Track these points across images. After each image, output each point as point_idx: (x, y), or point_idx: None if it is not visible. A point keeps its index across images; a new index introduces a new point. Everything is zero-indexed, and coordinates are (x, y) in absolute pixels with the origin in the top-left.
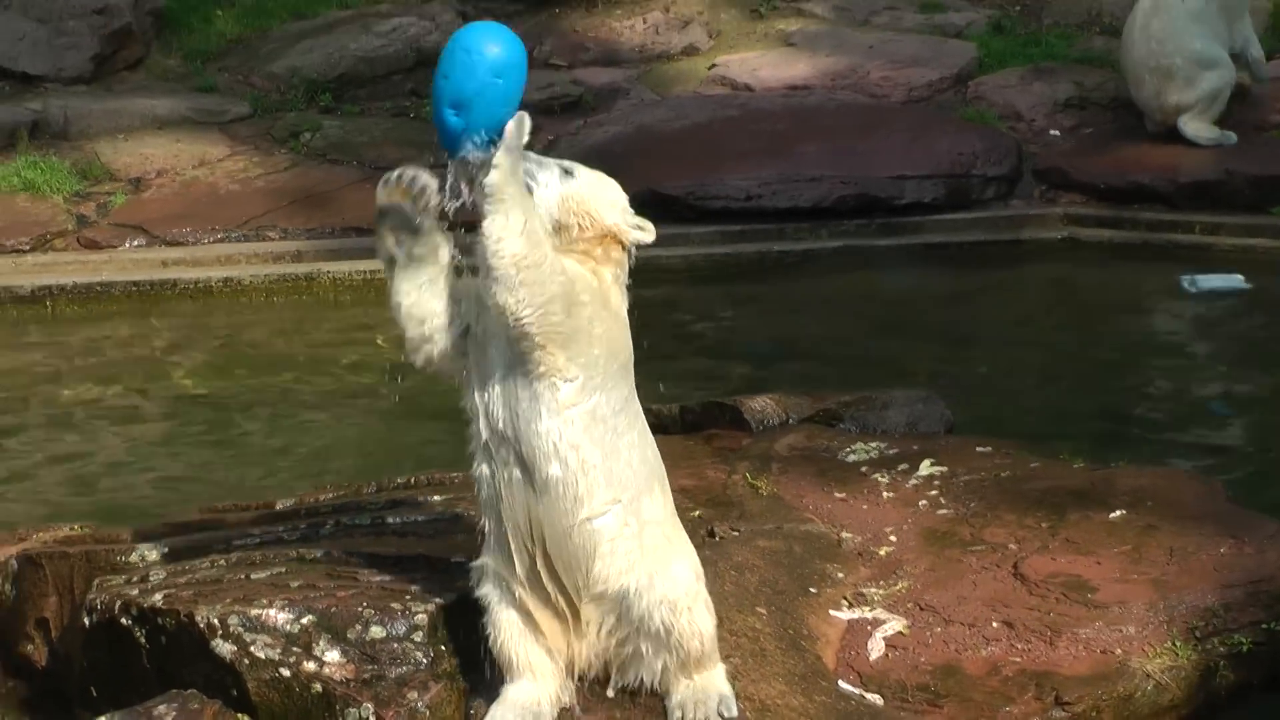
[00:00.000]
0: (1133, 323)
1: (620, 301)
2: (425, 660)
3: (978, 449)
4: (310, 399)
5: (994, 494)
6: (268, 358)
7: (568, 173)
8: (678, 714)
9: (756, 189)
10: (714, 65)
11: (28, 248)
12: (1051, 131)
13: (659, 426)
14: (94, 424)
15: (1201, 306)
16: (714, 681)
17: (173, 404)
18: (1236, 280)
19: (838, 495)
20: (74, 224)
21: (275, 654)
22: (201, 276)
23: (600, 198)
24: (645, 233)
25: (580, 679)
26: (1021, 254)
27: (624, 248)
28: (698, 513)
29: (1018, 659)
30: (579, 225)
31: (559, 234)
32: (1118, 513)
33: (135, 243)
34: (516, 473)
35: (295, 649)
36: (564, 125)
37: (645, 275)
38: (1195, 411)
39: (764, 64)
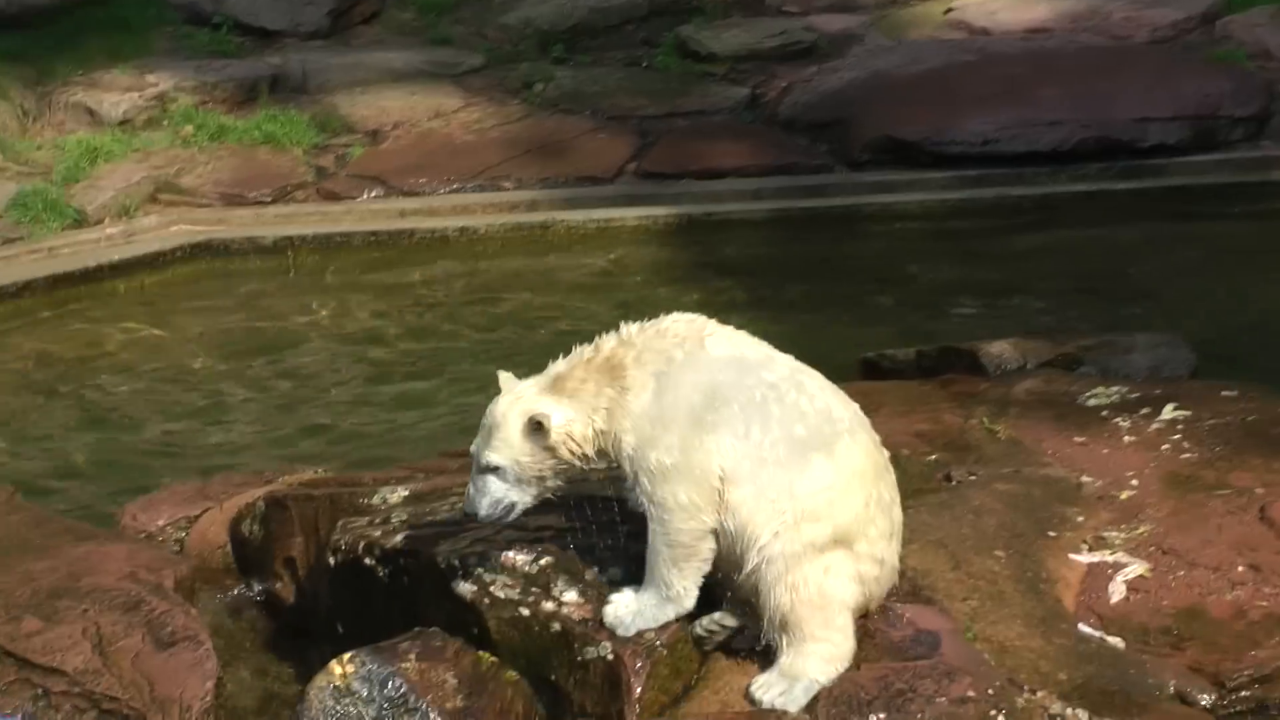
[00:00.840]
0: None
1: None
2: None
3: (1223, 393)
4: (548, 344)
5: (1240, 438)
6: (505, 305)
7: None
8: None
9: (994, 133)
10: (950, 9)
11: (269, 199)
12: None
13: (895, 371)
14: (334, 371)
15: None
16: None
17: (409, 352)
18: None
19: (1077, 439)
20: (313, 176)
21: (515, 594)
22: (438, 226)
23: None
24: None
25: None
26: (1271, 196)
27: None
28: (934, 457)
29: (1264, 603)
30: None
31: None
32: None
33: (373, 193)
34: None
35: (534, 589)
36: (797, 72)
37: (882, 221)
38: None
39: (1002, 7)
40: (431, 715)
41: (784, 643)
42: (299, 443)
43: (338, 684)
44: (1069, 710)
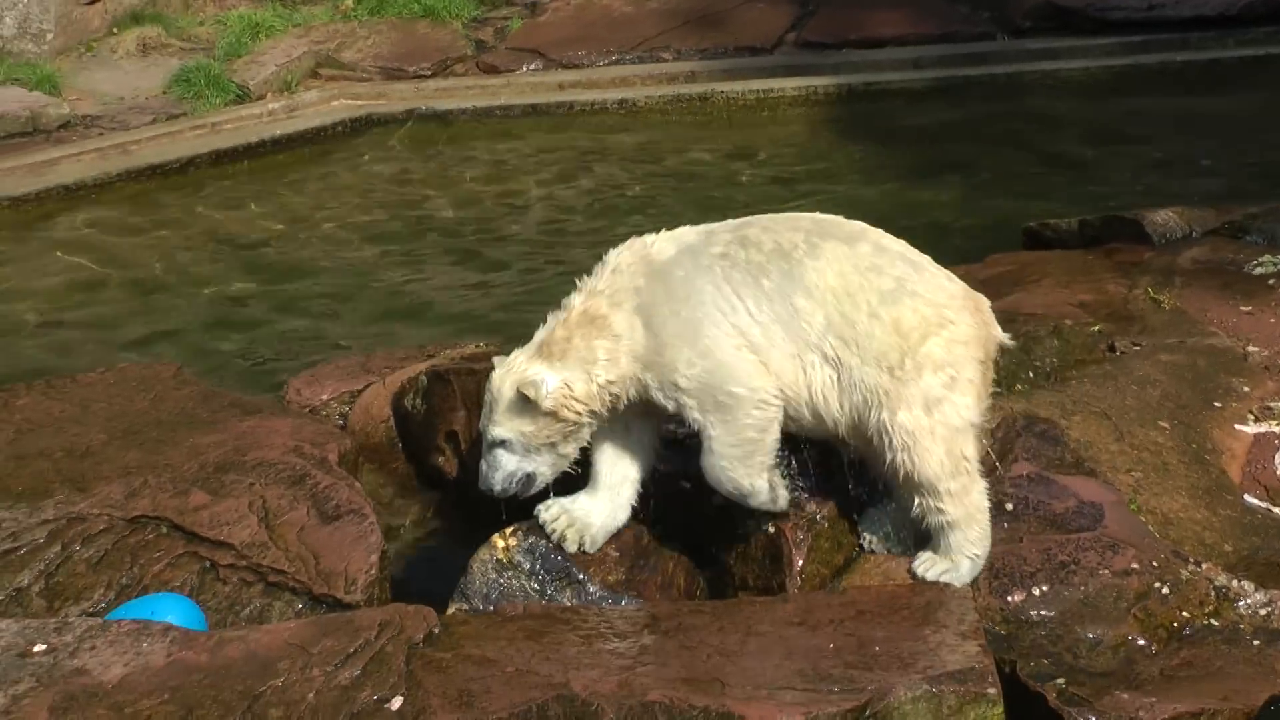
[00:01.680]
0: None
1: None
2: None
3: None
4: (714, 205)
5: None
6: (665, 173)
7: None
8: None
9: None
10: None
11: (429, 73)
12: None
13: (1058, 240)
14: (493, 243)
15: None
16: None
17: (572, 225)
18: None
19: (1243, 309)
20: (472, 49)
21: (675, 467)
22: (597, 98)
23: None
24: None
25: None
26: None
27: None
28: (1097, 327)
29: None
30: None
31: None
32: None
33: (532, 66)
34: None
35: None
36: None
37: (1044, 88)
38: None
39: None
40: (592, 588)
41: (925, 507)
42: (460, 317)
43: (500, 557)
44: (1234, 582)
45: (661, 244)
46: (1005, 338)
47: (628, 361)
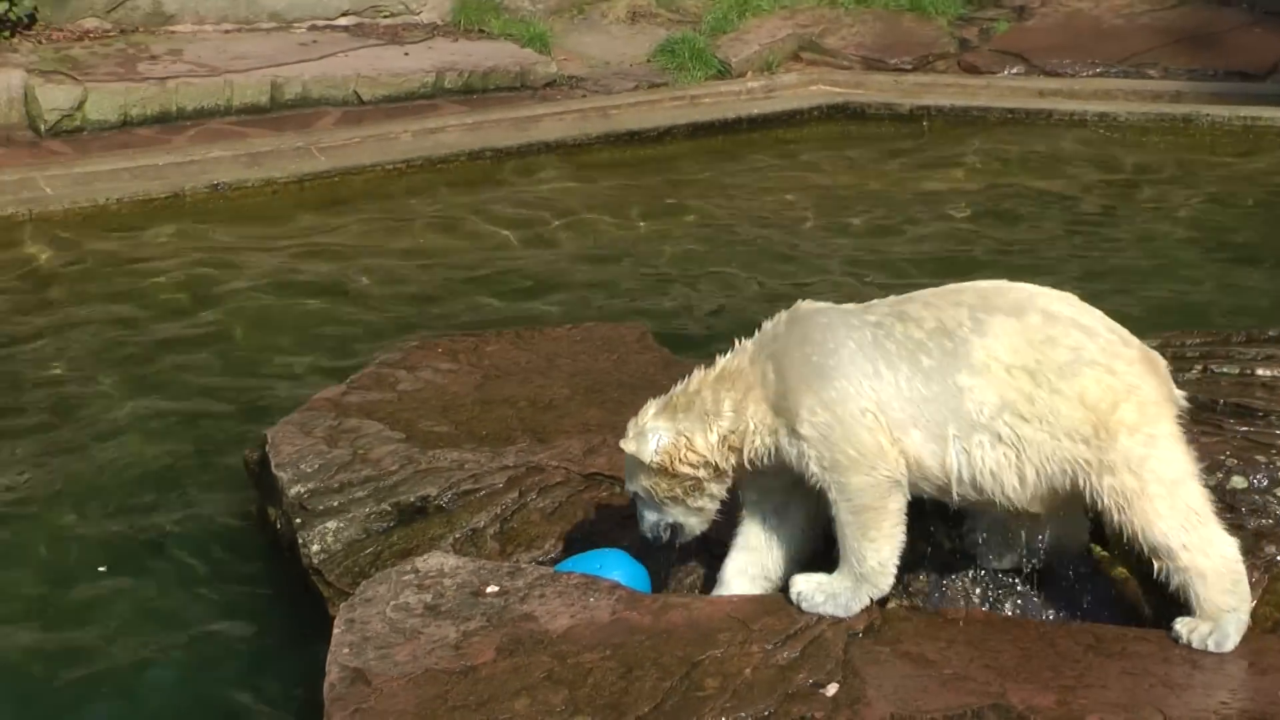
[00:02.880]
0: None
1: None
2: None
3: None
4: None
5: None
6: (1140, 194)
7: None
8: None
9: None
10: None
11: (909, 67)
12: None
13: None
14: (943, 237)
15: None
16: None
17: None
18: None
19: None
20: (955, 47)
21: None
22: (1077, 109)
23: None
24: None
25: None
26: None
27: None
28: None
29: None
30: None
31: None
32: None
33: (1014, 70)
34: None
35: None
36: None
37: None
38: None
39: None
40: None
41: (1166, 569)
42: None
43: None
44: None
45: (811, 301)
46: (1181, 397)
47: (755, 408)
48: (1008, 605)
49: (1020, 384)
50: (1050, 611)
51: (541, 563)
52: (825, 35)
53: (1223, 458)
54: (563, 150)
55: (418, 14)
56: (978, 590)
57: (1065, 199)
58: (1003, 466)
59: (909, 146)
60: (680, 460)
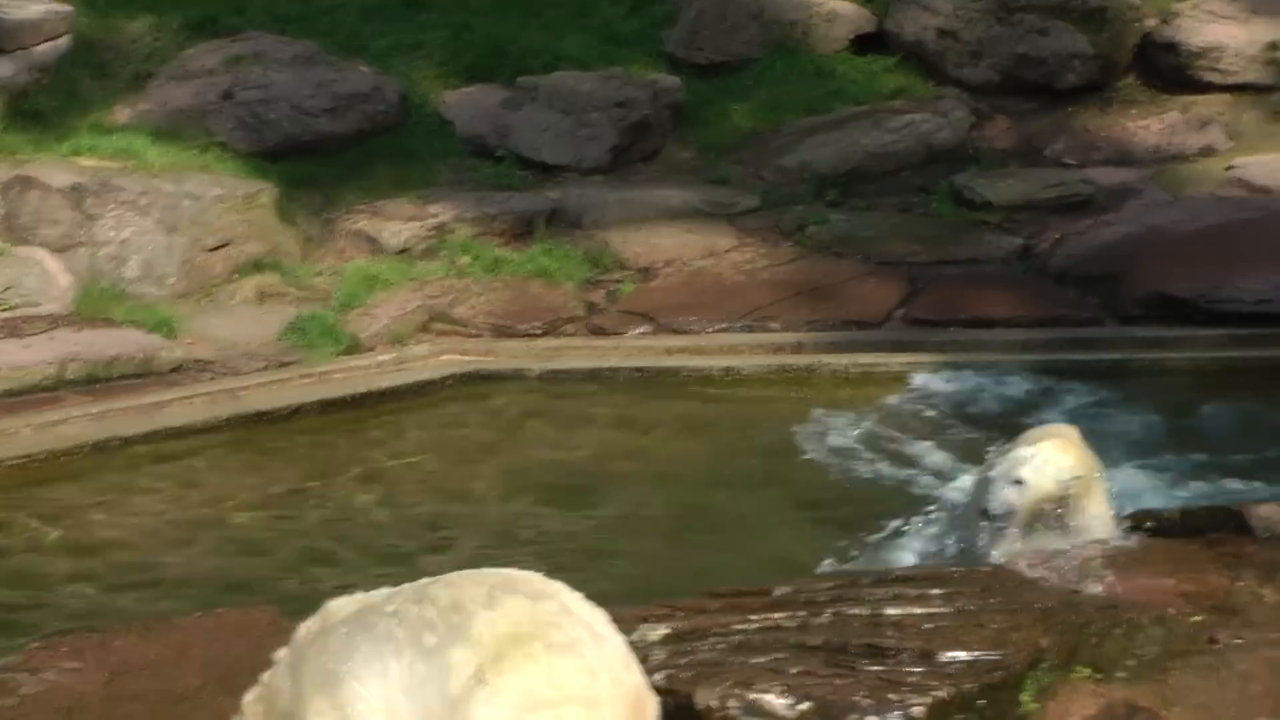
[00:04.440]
0: None
1: None
2: None
3: None
4: (811, 490)
5: None
6: (761, 444)
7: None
8: None
9: (1269, 293)
10: (1232, 166)
11: (539, 332)
12: None
13: (1160, 529)
14: (590, 505)
15: None
16: None
17: (658, 487)
18: None
19: None
20: (583, 310)
21: None
22: (703, 365)
23: None
24: None
25: None
26: None
27: None
28: (1199, 618)
29: None
30: None
31: None
32: None
33: (641, 330)
34: None
35: None
36: (1071, 224)
37: (1149, 376)
38: None
39: None
40: None
41: None
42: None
43: None
44: None
45: (342, 599)
46: None
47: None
48: None
49: (504, 648)
50: None
51: None
52: (454, 305)
53: (856, 698)
54: (192, 434)
55: (39, 305)
56: None
57: (719, 447)
58: None
59: (541, 409)
60: None
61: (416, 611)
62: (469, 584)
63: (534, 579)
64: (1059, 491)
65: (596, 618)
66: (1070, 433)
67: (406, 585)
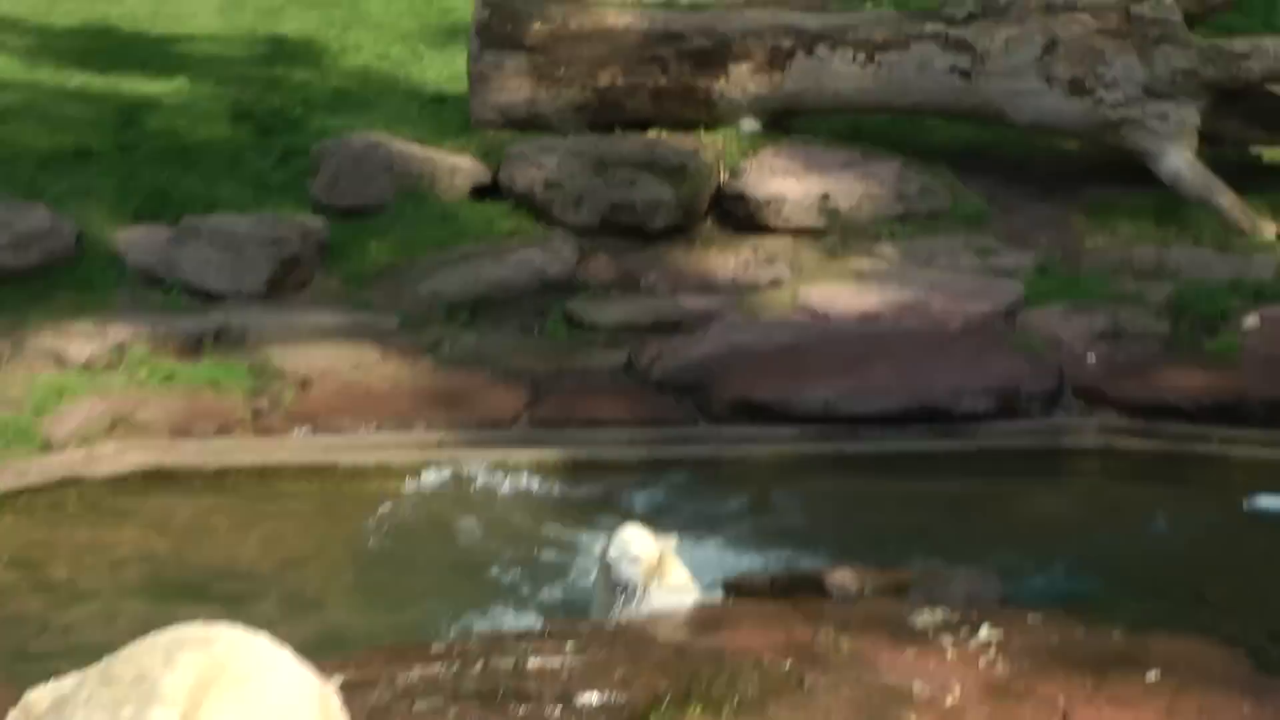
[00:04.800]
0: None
1: None
2: None
3: (1028, 617)
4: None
5: (1044, 655)
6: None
7: None
8: None
9: (834, 398)
10: (797, 295)
11: (212, 433)
12: (1088, 357)
13: (752, 591)
14: (260, 592)
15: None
16: None
17: (336, 567)
18: None
19: (906, 652)
20: (250, 415)
21: None
22: (359, 460)
23: None
24: None
25: None
26: (1062, 458)
27: None
28: (788, 663)
29: None
30: None
31: None
32: (1153, 673)
33: (303, 431)
34: None
35: None
36: (667, 341)
37: (740, 469)
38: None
39: (840, 295)
40: None
41: None
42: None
43: None
44: None
45: (39, 698)
46: None
47: None
48: None
49: (199, 697)
50: None
51: None
52: (136, 411)
53: None
54: None
55: None
56: None
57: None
58: None
59: (217, 504)
60: None
61: (108, 694)
62: (143, 655)
63: (197, 629)
64: (656, 560)
65: (264, 647)
66: (638, 525)
67: (91, 668)
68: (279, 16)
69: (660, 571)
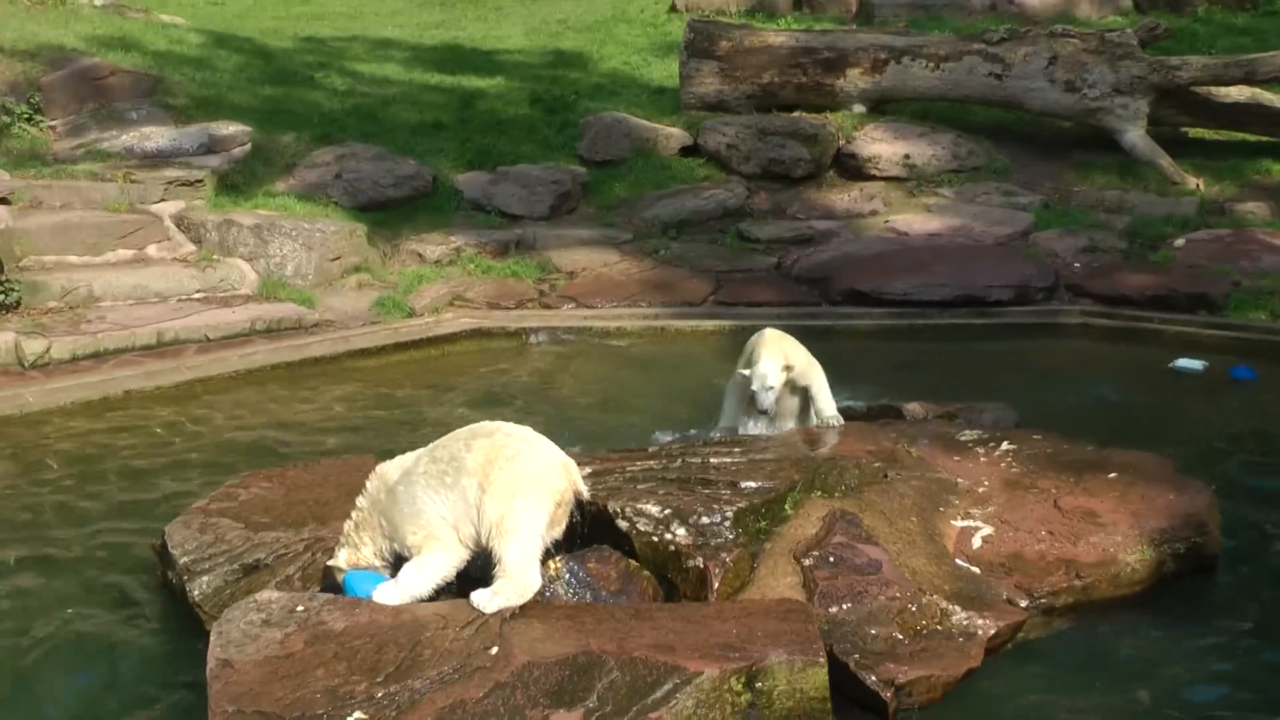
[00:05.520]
0: (1124, 373)
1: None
2: (730, 537)
3: (1034, 436)
4: (661, 390)
5: (1043, 460)
6: (643, 367)
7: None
8: None
9: (909, 289)
10: (888, 220)
11: (513, 307)
12: (1074, 264)
13: (853, 415)
14: (549, 404)
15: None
16: None
17: (595, 394)
18: (1198, 364)
19: (955, 458)
20: (536, 295)
21: (650, 528)
22: (606, 325)
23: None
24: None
25: None
26: (1057, 330)
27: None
28: (877, 464)
29: (1056, 552)
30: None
31: None
32: (1113, 474)
33: (570, 306)
34: None
35: (660, 527)
36: (802, 250)
37: (848, 333)
38: (1151, 416)
39: (915, 221)
40: (602, 594)
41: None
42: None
43: (550, 573)
44: (948, 605)
45: (391, 469)
46: (585, 491)
47: (375, 545)
48: (586, 596)
49: (487, 469)
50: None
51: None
52: (466, 291)
53: (697, 507)
54: (325, 361)
55: (238, 290)
56: (569, 590)
57: (615, 369)
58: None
59: (518, 349)
60: (356, 562)
61: (435, 468)
62: (453, 442)
63: (487, 425)
64: (788, 377)
65: (529, 435)
66: (774, 336)
67: (422, 450)
68: (561, 37)
69: (795, 387)
